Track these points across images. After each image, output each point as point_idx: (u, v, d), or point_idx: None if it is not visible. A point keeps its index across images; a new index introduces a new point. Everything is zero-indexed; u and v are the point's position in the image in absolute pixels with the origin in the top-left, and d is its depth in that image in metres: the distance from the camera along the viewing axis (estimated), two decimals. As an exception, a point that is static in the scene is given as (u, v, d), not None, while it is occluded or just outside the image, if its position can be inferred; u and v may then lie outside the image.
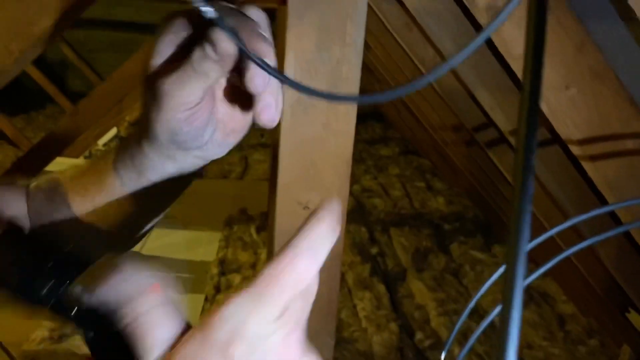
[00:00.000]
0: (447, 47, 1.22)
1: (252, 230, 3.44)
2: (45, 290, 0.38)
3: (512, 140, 1.35)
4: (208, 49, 0.40)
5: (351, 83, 0.80)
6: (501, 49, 0.81)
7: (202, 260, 3.05)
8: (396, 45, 1.73)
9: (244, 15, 0.42)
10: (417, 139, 4.25)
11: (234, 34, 0.39)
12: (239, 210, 3.66)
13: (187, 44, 0.43)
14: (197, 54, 0.41)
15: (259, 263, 3.09)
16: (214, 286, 2.84)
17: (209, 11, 0.37)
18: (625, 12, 0.68)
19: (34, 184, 0.52)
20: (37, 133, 5.36)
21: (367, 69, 3.43)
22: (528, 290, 2.90)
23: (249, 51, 0.39)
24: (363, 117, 6.08)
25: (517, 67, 0.83)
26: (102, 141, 4.52)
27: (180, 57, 0.42)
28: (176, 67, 0.42)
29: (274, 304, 0.30)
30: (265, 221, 3.43)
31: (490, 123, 1.38)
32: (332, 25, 0.74)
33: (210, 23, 0.39)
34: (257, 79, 0.41)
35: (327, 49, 0.76)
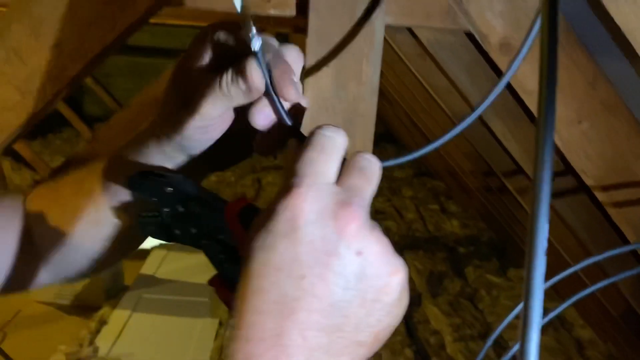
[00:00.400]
0: (460, 77, 1.24)
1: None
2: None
3: (526, 168, 1.36)
4: (240, 77, 0.41)
5: (367, 119, 0.82)
6: (514, 85, 0.83)
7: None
8: (409, 72, 1.75)
9: (282, 54, 0.43)
10: (430, 161, 4.26)
11: (268, 74, 0.40)
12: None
13: (224, 56, 0.44)
14: (228, 76, 0.42)
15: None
16: (227, 311, 2.84)
17: (256, 43, 0.39)
18: (628, 50, 0.70)
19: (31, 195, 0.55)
20: (54, 157, 5.45)
21: (379, 92, 3.46)
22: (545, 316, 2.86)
23: (276, 95, 0.41)
24: (376, 139, 6.07)
25: (530, 101, 0.85)
26: (118, 165, 4.58)
27: (214, 67, 0.44)
28: (206, 78, 0.44)
29: (325, 165, 0.35)
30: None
31: (504, 151, 1.40)
32: (348, 64, 0.77)
33: (250, 51, 0.40)
34: (258, 116, 0.42)
35: (344, 87, 0.78)
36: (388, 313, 0.35)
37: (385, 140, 5.91)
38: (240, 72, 0.41)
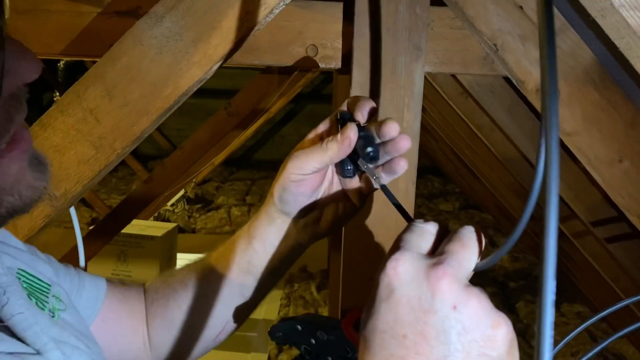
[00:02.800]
0: (501, 117, 1.27)
1: (313, 288, 3.47)
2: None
3: (568, 201, 1.36)
4: (338, 133, 0.53)
5: (410, 164, 0.86)
6: (553, 126, 0.85)
7: (265, 318, 3.11)
8: (452, 110, 1.79)
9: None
10: (477, 193, 4.22)
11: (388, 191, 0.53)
12: (300, 268, 3.72)
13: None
14: (329, 137, 0.54)
15: (321, 322, 3.11)
16: (276, 345, 2.87)
17: (368, 169, 0.53)
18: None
19: (149, 283, 0.67)
20: (111, 195, 5.70)
21: (424, 128, 3.49)
22: (602, 353, 2.76)
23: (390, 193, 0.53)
24: (421, 172, 6.07)
25: (569, 141, 0.87)
26: (170, 202, 4.76)
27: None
28: (314, 143, 0.56)
29: (417, 240, 0.40)
30: (325, 279, 3.46)
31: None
32: (390, 113, 0.81)
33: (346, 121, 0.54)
34: (393, 127, 0.53)
35: (387, 133, 0.83)
36: None
37: (431, 173, 5.90)
38: (340, 130, 0.53)
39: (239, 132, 3.24)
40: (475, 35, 0.82)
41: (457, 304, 0.35)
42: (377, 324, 0.36)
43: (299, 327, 0.56)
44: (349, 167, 0.56)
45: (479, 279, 3.58)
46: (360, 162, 0.53)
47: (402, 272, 0.36)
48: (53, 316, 0.50)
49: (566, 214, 1.52)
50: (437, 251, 0.39)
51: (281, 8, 0.72)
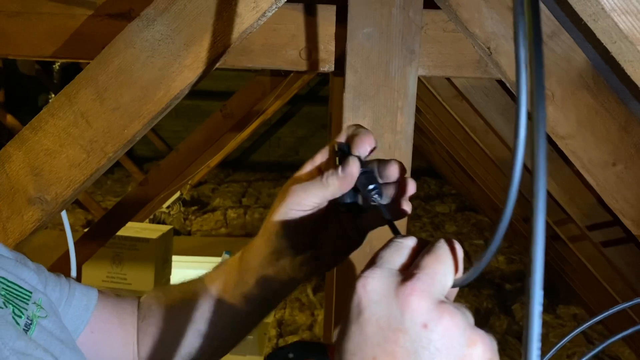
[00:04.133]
0: (495, 119, 1.27)
1: (309, 290, 3.47)
2: None
3: (563, 204, 1.36)
4: (340, 167, 0.50)
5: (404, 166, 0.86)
6: (547, 130, 0.85)
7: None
8: (447, 112, 1.78)
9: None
10: (473, 195, 4.23)
11: (383, 207, 0.49)
12: (296, 270, 3.71)
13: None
14: (329, 170, 0.51)
15: (316, 325, 3.10)
16: (272, 348, 2.86)
17: (377, 199, 0.49)
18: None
19: (143, 296, 0.66)
20: (106, 197, 5.68)
21: (420, 130, 3.49)
22: (598, 355, 2.76)
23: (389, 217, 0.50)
24: (417, 174, 6.08)
25: (562, 145, 0.87)
26: (166, 204, 4.74)
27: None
28: (312, 175, 0.53)
29: (391, 256, 0.38)
30: (321, 281, 3.46)
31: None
32: (384, 116, 0.81)
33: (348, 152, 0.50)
34: (395, 169, 0.51)
35: (380, 136, 0.83)
36: None
37: (428, 175, 5.90)
38: (340, 164, 0.50)
39: (235, 134, 3.23)
40: (469, 38, 0.82)
41: (428, 322, 0.33)
42: (347, 346, 0.34)
43: (291, 356, 0.55)
44: (348, 202, 0.52)
45: (475, 281, 3.58)
46: (366, 197, 0.50)
47: (371, 290, 0.35)
48: (31, 323, 0.49)
49: (561, 218, 1.52)
50: (411, 266, 0.37)
51: (274, 11, 0.71)
